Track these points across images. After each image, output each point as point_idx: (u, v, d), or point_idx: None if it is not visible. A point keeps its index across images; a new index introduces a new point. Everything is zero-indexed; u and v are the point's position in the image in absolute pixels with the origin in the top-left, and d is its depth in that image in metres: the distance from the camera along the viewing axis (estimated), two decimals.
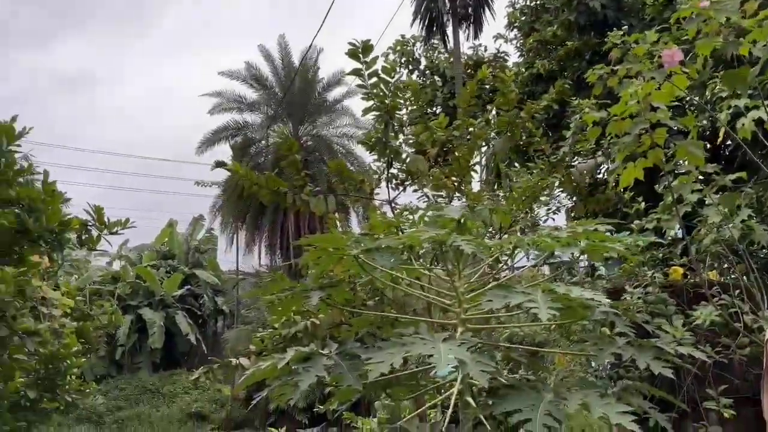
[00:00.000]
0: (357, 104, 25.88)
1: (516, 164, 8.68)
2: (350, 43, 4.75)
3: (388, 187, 5.66)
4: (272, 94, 26.62)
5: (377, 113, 5.28)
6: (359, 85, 5.17)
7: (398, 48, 16.54)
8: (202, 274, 27.55)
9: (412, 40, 17.20)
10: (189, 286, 27.03)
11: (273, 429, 9.46)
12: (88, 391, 5.32)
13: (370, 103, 5.24)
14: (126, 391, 22.19)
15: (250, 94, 26.62)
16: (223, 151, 26.72)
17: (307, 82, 26.00)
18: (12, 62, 70.61)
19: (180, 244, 29.35)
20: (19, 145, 3.68)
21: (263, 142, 25.83)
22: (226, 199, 25.30)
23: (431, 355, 2.25)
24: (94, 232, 4.13)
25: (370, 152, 5.66)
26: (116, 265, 27.94)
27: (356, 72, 5.01)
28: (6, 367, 3.74)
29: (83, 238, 4.09)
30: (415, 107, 5.76)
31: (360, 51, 4.76)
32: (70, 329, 4.73)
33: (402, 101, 5.41)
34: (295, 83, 25.53)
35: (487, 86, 10.66)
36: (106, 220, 4.07)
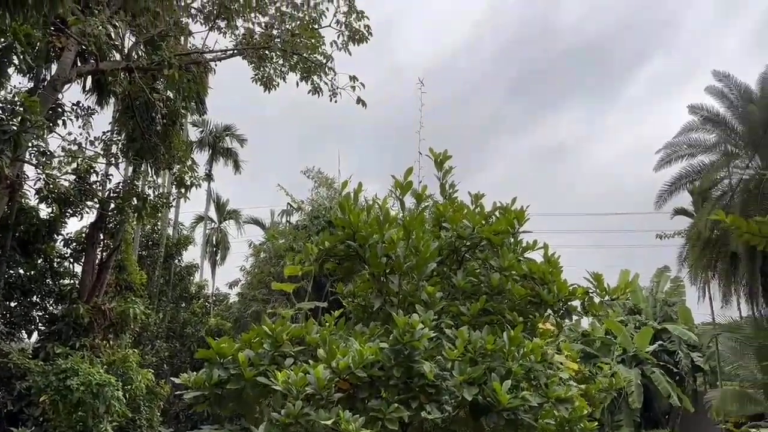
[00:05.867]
0: None
1: None
2: None
3: None
4: (729, 130, 24.39)
5: None
6: None
7: None
8: (674, 329, 25.98)
9: None
10: (661, 342, 25.76)
11: None
12: None
13: None
14: None
15: (704, 136, 25.01)
16: (682, 199, 25.41)
17: None
18: (495, 149, 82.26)
19: (644, 298, 28.45)
20: (528, 231, 4.14)
21: (725, 182, 23.55)
22: (690, 248, 23.71)
23: None
24: (596, 299, 4.31)
25: None
26: (584, 323, 28.48)
27: None
28: None
29: (586, 305, 4.31)
30: None
31: None
32: (578, 392, 4.94)
33: None
34: (754, 112, 22.83)
35: None
36: (606, 286, 4.22)
